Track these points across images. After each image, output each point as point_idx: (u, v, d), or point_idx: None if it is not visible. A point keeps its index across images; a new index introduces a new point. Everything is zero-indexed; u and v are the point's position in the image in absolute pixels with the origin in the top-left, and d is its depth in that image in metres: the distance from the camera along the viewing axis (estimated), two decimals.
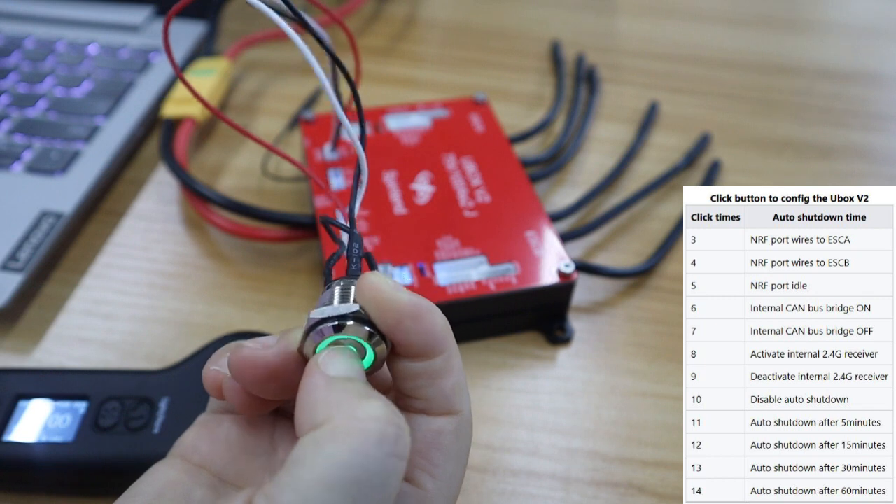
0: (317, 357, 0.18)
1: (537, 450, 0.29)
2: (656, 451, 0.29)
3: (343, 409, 0.16)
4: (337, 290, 0.19)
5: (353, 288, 0.19)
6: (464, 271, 0.31)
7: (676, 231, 0.38)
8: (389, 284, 0.19)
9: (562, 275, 0.31)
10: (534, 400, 0.31)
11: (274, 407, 0.21)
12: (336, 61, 0.21)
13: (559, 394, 0.31)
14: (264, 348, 0.19)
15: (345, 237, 0.22)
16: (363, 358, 0.19)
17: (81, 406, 0.27)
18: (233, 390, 0.19)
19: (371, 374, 0.20)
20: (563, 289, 0.32)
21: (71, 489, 0.27)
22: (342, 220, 0.34)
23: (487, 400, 0.31)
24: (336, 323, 0.18)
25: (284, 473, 0.16)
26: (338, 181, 0.36)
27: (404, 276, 0.31)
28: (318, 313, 0.19)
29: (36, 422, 0.26)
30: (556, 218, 0.37)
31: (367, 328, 0.18)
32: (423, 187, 0.36)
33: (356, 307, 0.19)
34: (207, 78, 0.43)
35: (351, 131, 0.20)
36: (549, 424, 0.30)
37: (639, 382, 0.32)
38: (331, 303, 0.19)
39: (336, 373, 0.17)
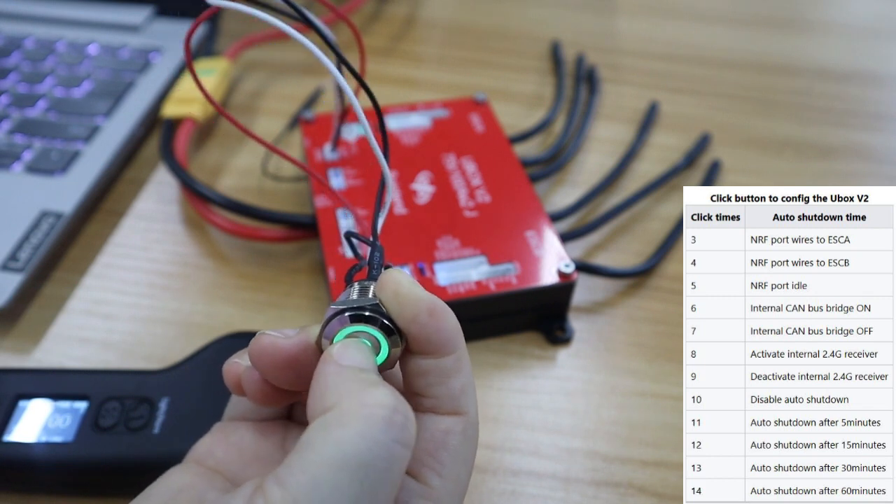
0: (331, 347, 0.18)
1: (537, 450, 0.29)
2: (656, 451, 0.29)
3: (351, 396, 0.17)
4: (356, 286, 0.20)
5: (372, 286, 0.20)
6: (464, 271, 0.31)
7: (676, 231, 0.38)
8: (410, 280, 0.19)
9: (562, 275, 0.31)
10: (534, 400, 0.31)
11: (288, 402, 0.21)
12: (350, 68, 0.21)
13: (559, 394, 0.31)
14: (284, 337, 0.20)
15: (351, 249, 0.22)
16: (378, 353, 0.19)
17: (81, 406, 0.27)
18: (250, 380, 0.20)
19: (384, 371, 0.20)
20: (563, 289, 0.32)
21: (71, 489, 0.27)
22: (344, 221, 0.34)
23: (487, 400, 0.31)
24: (353, 314, 0.19)
25: (294, 456, 0.16)
26: (338, 181, 0.36)
27: None
28: (337, 305, 0.19)
29: (36, 422, 0.26)
30: (556, 218, 0.37)
31: (383, 320, 0.19)
32: (423, 187, 0.36)
33: (374, 300, 0.19)
34: (207, 78, 0.43)
35: (377, 150, 0.21)
36: (549, 424, 0.30)
37: (639, 382, 0.32)
38: (349, 297, 0.20)
39: (348, 363, 0.18)
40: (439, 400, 0.20)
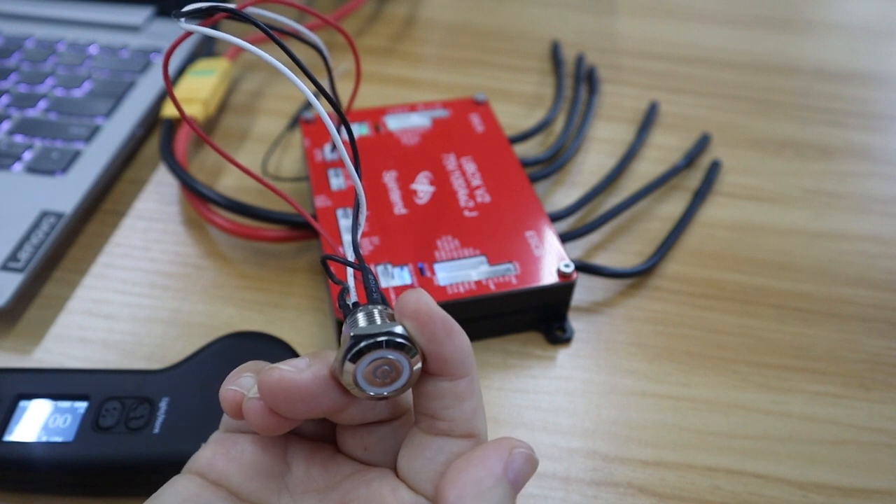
0: None
1: (537, 450, 0.29)
2: (656, 451, 0.29)
3: None
4: (362, 313, 0.20)
5: (376, 311, 0.19)
6: (464, 271, 0.31)
7: (676, 231, 0.38)
8: (430, 298, 0.19)
9: (562, 275, 0.31)
10: (534, 400, 0.31)
11: (292, 427, 0.21)
12: (323, 91, 0.21)
13: (559, 394, 0.31)
14: (297, 371, 0.19)
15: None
16: (397, 378, 0.19)
17: (81, 406, 0.27)
18: (255, 411, 0.19)
19: (404, 392, 0.20)
20: (563, 289, 0.32)
21: (71, 489, 0.27)
22: (344, 221, 0.34)
23: (487, 400, 0.31)
24: (381, 339, 0.18)
25: None
26: (338, 181, 0.36)
27: (404, 276, 0.31)
28: (361, 331, 0.19)
29: (36, 422, 0.26)
30: (556, 218, 0.37)
31: (409, 343, 0.19)
32: (423, 187, 0.36)
33: (397, 324, 0.19)
34: (207, 78, 0.43)
35: (352, 170, 0.21)
36: (548, 424, 0.30)
37: (639, 382, 0.32)
38: (368, 323, 0.19)
39: None
40: (454, 423, 0.20)
